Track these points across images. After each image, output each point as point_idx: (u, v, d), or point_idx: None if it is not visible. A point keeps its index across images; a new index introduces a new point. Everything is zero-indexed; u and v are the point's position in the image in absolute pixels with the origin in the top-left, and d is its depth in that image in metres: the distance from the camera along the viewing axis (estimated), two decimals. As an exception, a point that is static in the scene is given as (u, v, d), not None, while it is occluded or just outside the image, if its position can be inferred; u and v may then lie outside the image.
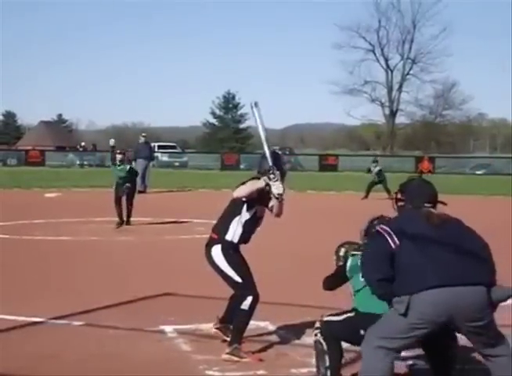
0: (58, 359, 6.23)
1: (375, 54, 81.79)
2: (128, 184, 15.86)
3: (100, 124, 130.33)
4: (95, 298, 8.46)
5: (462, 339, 5.17)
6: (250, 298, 6.33)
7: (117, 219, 15.35)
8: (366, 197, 25.88)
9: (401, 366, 5.81)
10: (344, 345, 6.63)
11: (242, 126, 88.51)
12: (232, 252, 6.49)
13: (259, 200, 6.48)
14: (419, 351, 5.67)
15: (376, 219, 5.76)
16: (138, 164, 27.24)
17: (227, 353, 6.25)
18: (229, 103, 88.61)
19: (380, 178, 26.27)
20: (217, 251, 6.49)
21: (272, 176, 6.33)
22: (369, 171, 26.91)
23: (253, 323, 6.88)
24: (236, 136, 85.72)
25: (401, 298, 4.63)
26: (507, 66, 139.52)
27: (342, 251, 5.91)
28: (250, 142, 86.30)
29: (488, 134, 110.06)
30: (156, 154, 43.67)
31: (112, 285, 9.54)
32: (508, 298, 4.75)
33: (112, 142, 17.50)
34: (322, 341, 5.42)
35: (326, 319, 5.54)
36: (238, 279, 6.41)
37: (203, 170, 49.96)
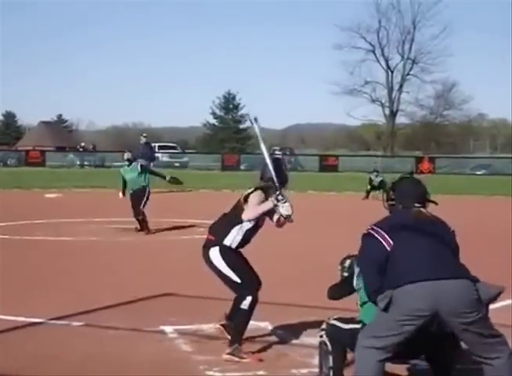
0: (58, 360, 6.22)
1: (375, 54, 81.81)
2: (139, 186, 15.51)
3: (100, 125, 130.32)
4: (95, 299, 8.46)
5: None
6: (249, 298, 6.32)
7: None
8: (367, 197, 25.90)
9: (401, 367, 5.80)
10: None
11: (242, 126, 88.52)
12: (230, 253, 6.48)
13: (264, 213, 6.53)
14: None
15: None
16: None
17: (228, 353, 6.25)
18: (230, 104, 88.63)
19: (381, 186, 26.30)
20: (215, 254, 6.48)
21: (280, 198, 6.38)
22: (370, 182, 26.70)
23: (253, 324, 6.88)
24: (237, 137, 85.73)
25: (384, 293, 4.67)
26: (507, 58, 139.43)
27: (347, 263, 5.92)
28: (250, 143, 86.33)
29: (488, 134, 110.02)
30: (156, 155, 43.60)
31: (112, 285, 9.53)
32: (497, 295, 4.74)
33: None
34: (327, 342, 5.42)
35: (332, 322, 5.54)
36: (237, 279, 6.40)
37: (203, 170, 49.95)
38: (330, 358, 5.40)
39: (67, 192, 27.53)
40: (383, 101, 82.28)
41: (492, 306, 4.84)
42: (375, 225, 4.99)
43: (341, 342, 5.40)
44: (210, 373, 5.94)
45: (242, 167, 50.60)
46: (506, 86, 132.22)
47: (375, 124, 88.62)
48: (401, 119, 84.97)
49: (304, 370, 6.00)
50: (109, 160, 53.26)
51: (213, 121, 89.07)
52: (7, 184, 29.87)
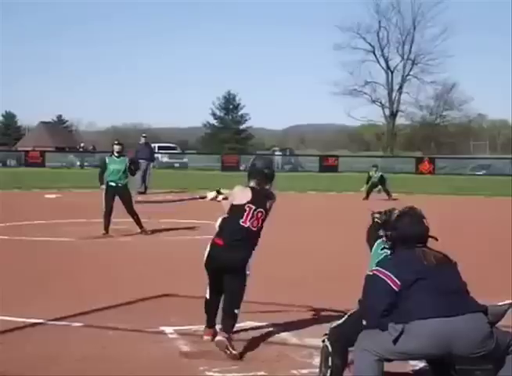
0: (57, 361, 6.21)
1: (375, 55, 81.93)
2: (123, 182, 14.73)
3: (100, 125, 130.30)
4: (95, 299, 8.45)
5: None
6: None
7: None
8: (367, 197, 25.88)
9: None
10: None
11: (242, 127, 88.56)
12: None
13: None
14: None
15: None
16: (139, 165, 27.23)
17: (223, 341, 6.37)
18: (230, 104, 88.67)
19: (382, 182, 26.32)
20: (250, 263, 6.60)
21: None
22: (369, 179, 26.70)
23: (253, 324, 6.88)
24: (237, 137, 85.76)
25: (396, 325, 4.63)
26: (507, 59, 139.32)
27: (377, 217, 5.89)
28: (250, 143, 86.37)
29: (488, 135, 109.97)
30: (156, 155, 43.66)
31: (112, 286, 9.52)
32: (503, 314, 4.73)
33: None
34: (328, 344, 5.41)
35: (333, 325, 5.54)
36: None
37: (203, 171, 49.97)
38: (330, 358, 5.39)
39: (67, 192, 27.52)
40: (383, 102, 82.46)
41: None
42: (379, 266, 4.91)
43: (344, 339, 5.37)
44: (210, 373, 5.93)
45: (242, 167, 50.60)
46: (506, 87, 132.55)
47: (375, 125, 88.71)
48: (401, 120, 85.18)
49: (305, 371, 6.00)
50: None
51: (213, 121, 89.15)
52: (7, 184, 29.85)
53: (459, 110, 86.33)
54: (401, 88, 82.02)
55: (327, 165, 53.17)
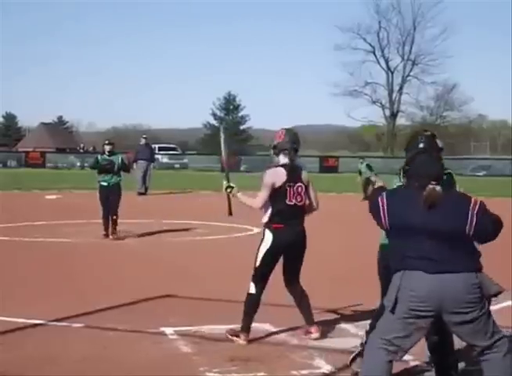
0: (58, 361, 6.22)
1: (375, 55, 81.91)
2: (114, 181, 14.38)
3: (100, 126, 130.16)
4: (96, 300, 8.45)
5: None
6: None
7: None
8: (366, 197, 25.95)
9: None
10: (351, 344, 6.65)
11: (243, 127, 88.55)
12: None
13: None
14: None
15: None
16: (140, 166, 27.27)
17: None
18: (230, 105, 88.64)
19: (371, 171, 26.64)
20: None
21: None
22: (360, 173, 27.41)
23: (253, 325, 6.88)
24: (237, 138, 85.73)
25: (389, 295, 4.66)
26: (507, 60, 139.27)
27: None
28: (250, 144, 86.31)
29: (488, 135, 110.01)
30: (156, 156, 43.67)
31: (112, 287, 9.53)
32: (495, 294, 4.71)
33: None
34: (364, 336, 5.38)
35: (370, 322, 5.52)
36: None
37: (203, 172, 49.96)
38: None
39: (67, 193, 27.52)
40: (383, 102, 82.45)
41: (492, 308, 4.83)
42: (387, 193, 4.88)
43: None
44: (211, 374, 5.93)
45: (242, 168, 50.61)
46: (506, 87, 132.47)
47: (375, 126, 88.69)
48: (401, 120, 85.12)
49: (305, 372, 6.00)
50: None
51: (213, 122, 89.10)
52: (7, 185, 29.86)
53: (459, 111, 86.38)
54: (401, 88, 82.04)
55: (327, 166, 53.15)
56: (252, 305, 6.82)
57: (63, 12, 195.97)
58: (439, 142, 5.79)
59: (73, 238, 14.36)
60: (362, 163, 27.99)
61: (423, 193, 4.65)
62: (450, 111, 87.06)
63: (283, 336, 7.07)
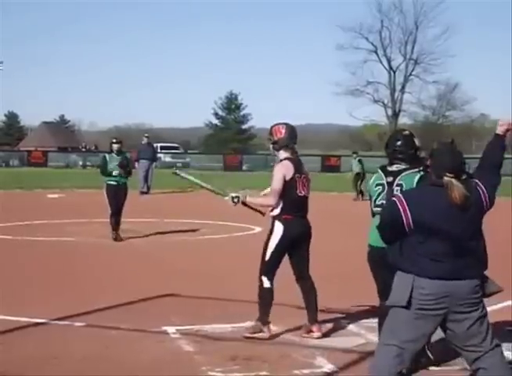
0: (60, 360, 6.22)
1: (377, 55, 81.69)
2: (123, 180, 14.18)
3: (102, 125, 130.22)
4: (98, 299, 8.46)
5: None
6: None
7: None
8: (358, 196, 25.99)
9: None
10: (353, 343, 6.66)
11: (244, 127, 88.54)
12: None
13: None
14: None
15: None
16: (142, 165, 27.27)
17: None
18: (232, 104, 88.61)
19: (362, 167, 26.74)
20: None
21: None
22: (351, 169, 27.49)
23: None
24: (239, 137, 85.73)
25: (398, 295, 4.61)
26: (510, 59, 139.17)
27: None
28: (252, 143, 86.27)
29: (490, 135, 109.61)
30: (158, 155, 43.66)
31: (114, 286, 9.54)
32: (494, 292, 4.73)
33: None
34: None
35: None
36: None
37: (205, 171, 49.96)
38: None
39: (69, 192, 27.53)
40: (385, 101, 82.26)
41: (492, 307, 4.84)
42: (403, 195, 4.82)
43: None
44: (213, 373, 5.94)
45: (244, 167, 50.60)
46: (509, 87, 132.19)
47: (377, 125, 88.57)
48: (403, 119, 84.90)
49: (307, 371, 6.00)
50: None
51: (215, 121, 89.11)
52: (9, 184, 29.87)
53: (461, 110, 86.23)
54: (403, 88, 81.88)
55: (329, 165, 53.12)
56: (269, 299, 6.90)
57: (64, 11, 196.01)
58: (416, 141, 6.25)
59: (76, 237, 14.36)
60: (355, 158, 27.86)
61: (447, 190, 4.57)
62: (452, 111, 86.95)
63: (284, 335, 7.07)
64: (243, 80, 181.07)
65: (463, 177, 4.73)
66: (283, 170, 6.92)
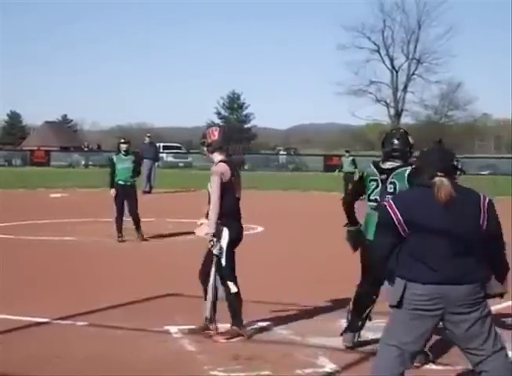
0: (62, 360, 6.23)
1: (380, 54, 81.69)
2: (131, 181, 14.19)
3: (104, 125, 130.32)
4: (100, 298, 8.47)
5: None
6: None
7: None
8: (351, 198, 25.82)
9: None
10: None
11: (247, 126, 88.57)
12: None
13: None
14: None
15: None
16: (144, 165, 27.27)
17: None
18: (234, 103, 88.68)
19: (355, 167, 26.30)
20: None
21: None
22: (341, 168, 26.69)
23: (257, 324, 6.89)
24: (241, 136, 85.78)
25: (395, 286, 4.59)
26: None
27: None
28: (254, 143, 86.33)
29: (492, 134, 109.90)
30: (161, 155, 43.68)
31: (116, 285, 9.55)
32: (499, 294, 4.69)
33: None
34: None
35: None
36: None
37: (207, 170, 49.77)
38: None
39: (72, 192, 27.56)
40: (387, 101, 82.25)
41: (493, 307, 4.83)
42: (393, 200, 4.76)
43: None
44: (215, 373, 5.94)
45: (246, 167, 50.58)
46: (509, 87, 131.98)
47: (379, 125, 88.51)
48: (405, 119, 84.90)
49: (309, 370, 6.01)
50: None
51: (217, 121, 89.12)
52: (12, 184, 29.92)
53: (464, 110, 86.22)
54: (405, 87, 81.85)
55: (331, 165, 53.08)
56: (240, 301, 6.92)
57: (68, 11, 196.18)
58: (410, 139, 6.59)
59: (78, 236, 14.37)
60: (348, 157, 27.17)
61: (434, 189, 4.52)
62: (455, 110, 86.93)
63: (286, 335, 7.08)
64: (245, 79, 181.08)
65: (457, 174, 4.71)
66: (219, 172, 6.87)
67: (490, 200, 4.68)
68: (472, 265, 4.54)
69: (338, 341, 6.76)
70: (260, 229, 14.55)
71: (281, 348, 6.63)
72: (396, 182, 6.17)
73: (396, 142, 6.42)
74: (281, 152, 65.17)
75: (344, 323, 7.55)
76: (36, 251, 12.76)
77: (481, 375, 4.64)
